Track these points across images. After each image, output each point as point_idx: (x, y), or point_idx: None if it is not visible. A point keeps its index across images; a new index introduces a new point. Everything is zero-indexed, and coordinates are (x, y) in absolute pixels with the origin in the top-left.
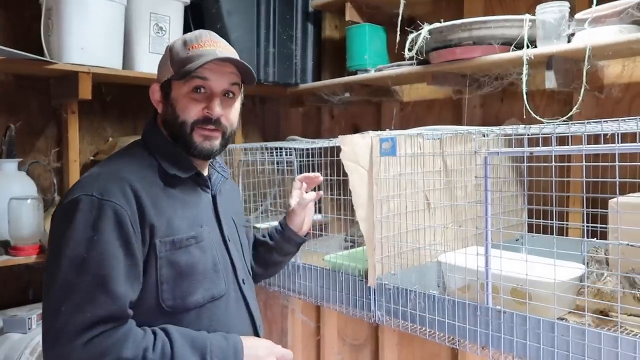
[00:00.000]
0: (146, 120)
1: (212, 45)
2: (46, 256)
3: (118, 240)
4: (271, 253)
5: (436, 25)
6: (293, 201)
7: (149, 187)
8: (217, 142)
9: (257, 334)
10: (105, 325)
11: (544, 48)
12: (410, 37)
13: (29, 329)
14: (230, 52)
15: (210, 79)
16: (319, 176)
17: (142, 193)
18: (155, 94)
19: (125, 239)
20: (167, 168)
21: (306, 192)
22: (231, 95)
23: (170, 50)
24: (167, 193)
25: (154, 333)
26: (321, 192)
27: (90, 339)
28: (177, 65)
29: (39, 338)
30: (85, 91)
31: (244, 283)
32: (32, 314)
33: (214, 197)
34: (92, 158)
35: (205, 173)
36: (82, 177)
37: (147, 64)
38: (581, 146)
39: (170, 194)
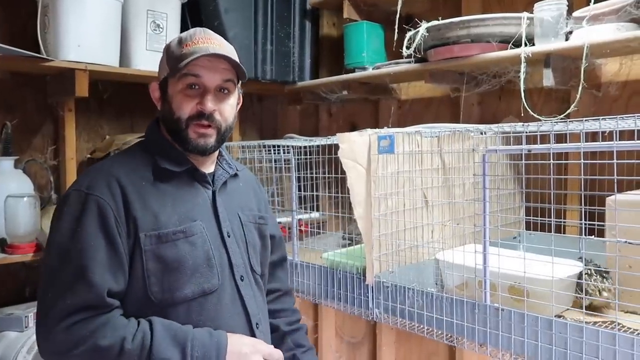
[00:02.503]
0: (145, 118)
1: (206, 42)
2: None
3: (100, 232)
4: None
5: (434, 23)
6: None
7: (138, 182)
8: (211, 139)
9: (252, 333)
10: (84, 313)
11: (542, 46)
12: (408, 34)
13: (26, 327)
14: (225, 49)
15: (202, 76)
16: None
17: (128, 187)
18: (154, 92)
19: (107, 231)
20: (160, 163)
21: None
22: (226, 91)
23: (166, 49)
24: (157, 188)
25: (138, 323)
26: None
27: (70, 325)
28: (172, 63)
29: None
30: (82, 89)
31: (242, 280)
32: (29, 312)
33: (213, 193)
34: (88, 156)
35: (210, 170)
36: (81, 174)
37: (144, 62)
38: (579, 144)
39: (161, 188)
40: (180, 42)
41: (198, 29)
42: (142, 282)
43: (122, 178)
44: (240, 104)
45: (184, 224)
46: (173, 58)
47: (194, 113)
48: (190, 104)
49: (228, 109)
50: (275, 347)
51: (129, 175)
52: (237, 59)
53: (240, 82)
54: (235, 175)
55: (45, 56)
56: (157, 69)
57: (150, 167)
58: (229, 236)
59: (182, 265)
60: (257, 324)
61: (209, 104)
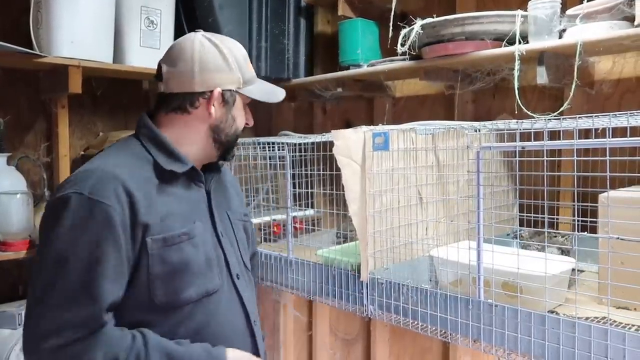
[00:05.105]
0: (139, 115)
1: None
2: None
3: (106, 241)
4: None
5: (429, 20)
6: None
7: (143, 184)
8: None
9: (251, 330)
10: (78, 331)
11: (536, 44)
12: (403, 32)
13: (19, 324)
14: None
15: None
16: None
17: (135, 191)
18: (218, 97)
19: (114, 240)
20: (163, 164)
21: None
22: None
23: (235, 60)
24: (161, 189)
25: (133, 338)
26: None
27: (60, 346)
28: (247, 81)
29: None
30: (75, 85)
31: (238, 278)
32: (22, 309)
33: (208, 193)
34: (82, 153)
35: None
36: (75, 173)
37: (138, 58)
38: (572, 141)
39: (164, 190)
40: (245, 59)
41: (238, 43)
42: (146, 286)
43: (128, 181)
44: None
45: (186, 226)
46: (247, 77)
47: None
48: (244, 119)
49: None
50: None
51: (133, 178)
52: None
53: None
54: (219, 174)
55: (38, 52)
56: (150, 66)
57: (151, 167)
58: (222, 235)
59: (187, 267)
60: (254, 321)
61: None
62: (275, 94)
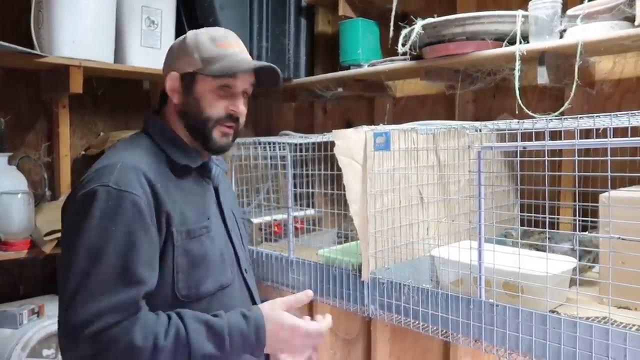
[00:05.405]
0: (139, 115)
1: (237, 45)
2: (61, 249)
3: (138, 229)
4: None
5: (429, 20)
6: None
7: (161, 177)
8: (230, 139)
9: None
10: (115, 315)
11: (537, 44)
12: (404, 32)
13: (20, 324)
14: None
15: (238, 79)
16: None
17: (156, 182)
18: (174, 82)
19: (144, 228)
20: (177, 159)
21: None
22: (246, 95)
23: (194, 42)
24: (177, 184)
25: (168, 317)
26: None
27: (99, 331)
28: (208, 61)
29: (30, 333)
30: (76, 85)
31: (246, 272)
32: (23, 309)
33: (216, 189)
34: (83, 153)
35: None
36: (94, 169)
37: (139, 58)
38: (574, 141)
39: (180, 184)
40: (213, 40)
41: (221, 28)
42: (171, 279)
43: (149, 173)
44: None
45: (204, 220)
46: (209, 56)
47: (224, 115)
48: (222, 104)
49: (245, 112)
50: None
51: (152, 171)
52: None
53: None
54: (224, 171)
55: (39, 52)
56: (151, 65)
57: (164, 162)
58: (231, 231)
59: (205, 260)
60: None
61: (242, 108)
62: (238, 67)
